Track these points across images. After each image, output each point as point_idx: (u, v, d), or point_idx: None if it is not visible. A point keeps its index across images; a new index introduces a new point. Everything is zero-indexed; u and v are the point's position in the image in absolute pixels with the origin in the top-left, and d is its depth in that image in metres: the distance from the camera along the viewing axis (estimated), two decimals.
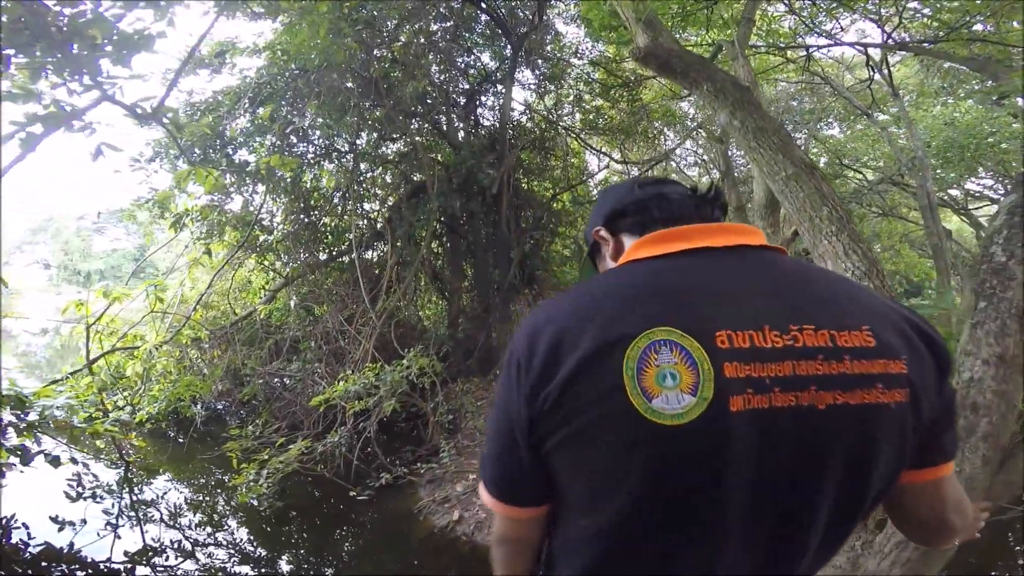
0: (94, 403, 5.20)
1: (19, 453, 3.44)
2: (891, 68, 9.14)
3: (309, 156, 9.08)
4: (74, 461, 4.91)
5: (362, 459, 6.01)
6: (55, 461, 3.88)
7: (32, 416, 3.66)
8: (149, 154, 8.22)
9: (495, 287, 10.57)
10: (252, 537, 5.20)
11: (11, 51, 2.54)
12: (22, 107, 2.74)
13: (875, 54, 8.89)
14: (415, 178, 9.81)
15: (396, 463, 6.24)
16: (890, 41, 7.50)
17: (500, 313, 10.27)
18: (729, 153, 13.53)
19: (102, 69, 3.50)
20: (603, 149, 13.11)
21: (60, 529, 4.96)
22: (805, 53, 8.04)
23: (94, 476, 5.66)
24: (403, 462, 6.41)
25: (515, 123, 10.93)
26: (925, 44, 7.58)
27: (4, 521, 4.77)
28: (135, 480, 6.27)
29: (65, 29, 2.65)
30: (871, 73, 8.59)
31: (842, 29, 9.07)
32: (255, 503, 5.21)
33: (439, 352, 8.84)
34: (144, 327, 7.07)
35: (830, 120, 13.07)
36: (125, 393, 6.73)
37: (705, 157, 16.52)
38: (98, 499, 5.53)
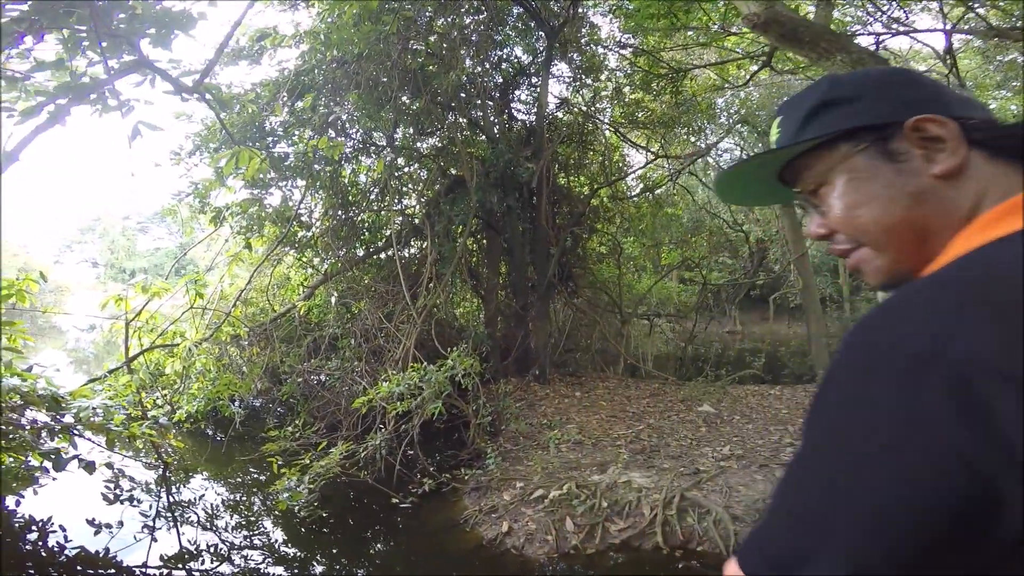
0: (132, 403, 5.07)
1: (52, 458, 3.28)
2: (955, 58, 8.45)
3: (347, 150, 8.92)
4: (109, 467, 4.78)
5: (403, 463, 5.78)
6: (90, 467, 3.72)
7: (68, 418, 3.50)
8: (189, 147, 8.20)
9: (531, 285, 10.27)
10: (289, 541, 5.03)
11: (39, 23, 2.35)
12: (50, 80, 2.56)
13: (938, 45, 8.28)
14: (452, 173, 9.59)
15: (437, 468, 6.00)
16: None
17: (538, 311, 9.95)
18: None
19: (142, 51, 3.33)
20: (642, 144, 12.63)
21: (96, 532, 4.87)
22: (875, 42, 7.44)
23: (130, 479, 5.55)
24: (445, 467, 6.16)
25: (551, 116, 10.59)
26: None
27: (40, 524, 4.70)
28: (173, 481, 6.18)
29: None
30: (947, 63, 7.93)
31: (907, 17, 8.44)
32: (295, 509, 5.00)
33: (477, 352, 8.59)
34: (184, 324, 7.01)
35: None
36: (164, 392, 6.66)
37: (746, 154, 15.86)
38: (135, 502, 5.43)
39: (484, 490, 5.27)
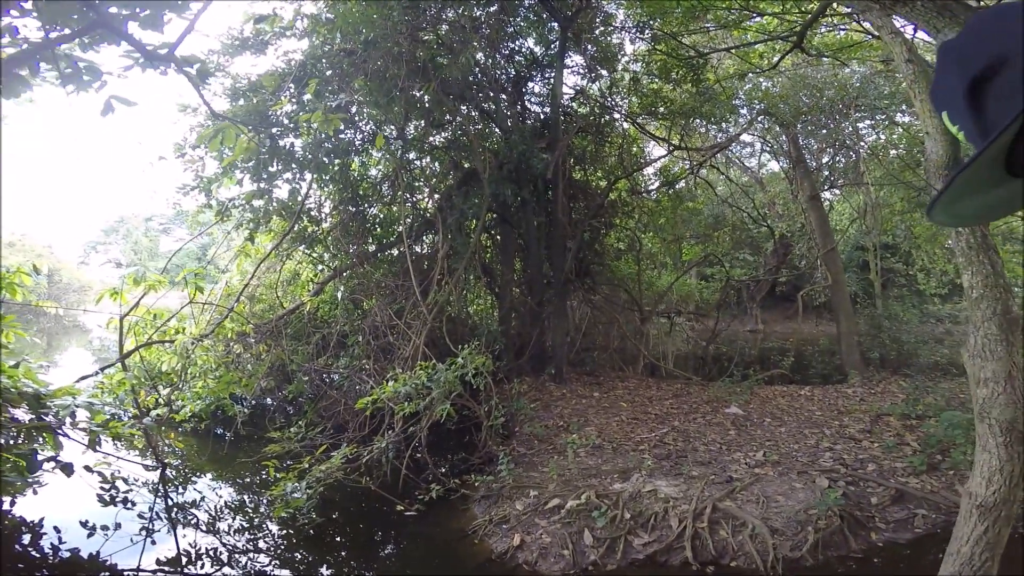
0: (126, 401, 4.80)
1: (22, 463, 2.98)
2: None
3: (357, 143, 8.63)
4: (90, 469, 4.53)
5: (410, 467, 5.45)
6: (67, 469, 3.44)
7: (50, 418, 3.22)
8: (193, 140, 7.97)
9: (547, 281, 9.88)
10: (291, 546, 4.73)
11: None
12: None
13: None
14: (465, 166, 9.26)
15: (446, 473, 5.64)
16: None
17: (555, 308, 9.55)
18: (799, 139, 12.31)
19: (130, 31, 3.04)
20: (661, 136, 12.15)
21: (90, 535, 4.64)
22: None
23: (124, 480, 5.31)
24: (454, 472, 5.80)
25: (566, 108, 10.19)
26: None
27: (32, 526, 4.46)
28: (173, 482, 5.94)
29: None
30: None
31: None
32: (293, 517, 4.69)
33: (490, 350, 8.24)
34: (189, 320, 6.77)
35: (903, 107, 11.57)
36: (165, 390, 6.42)
37: (768, 147, 15.23)
38: (129, 504, 5.18)
39: (495, 498, 4.90)
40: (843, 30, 8.21)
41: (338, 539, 4.84)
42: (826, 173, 13.85)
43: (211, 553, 4.59)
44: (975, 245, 3.12)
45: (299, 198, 8.39)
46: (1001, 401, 2.72)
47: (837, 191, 15.48)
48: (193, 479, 6.17)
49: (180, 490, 5.82)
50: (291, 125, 7.88)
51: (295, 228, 8.60)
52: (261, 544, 4.78)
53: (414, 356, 7.08)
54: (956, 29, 2.62)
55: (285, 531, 4.88)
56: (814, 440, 6.49)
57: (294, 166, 7.93)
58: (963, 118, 0.60)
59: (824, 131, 11.84)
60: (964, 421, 5.66)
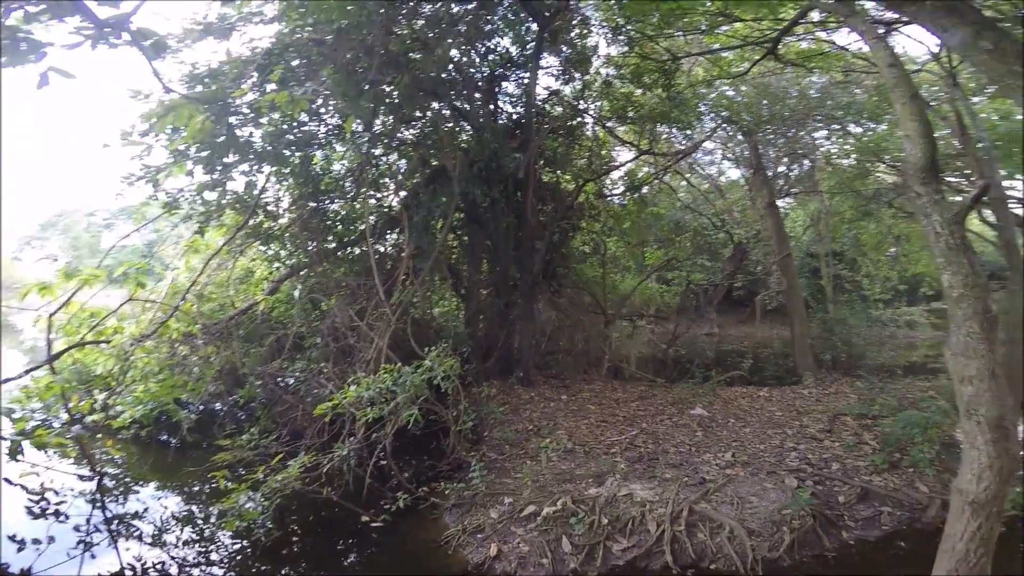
0: (53, 406, 4.32)
1: None
2: (951, 56, 8.25)
3: (321, 135, 8.23)
4: (8, 482, 4.07)
5: (374, 475, 5.14)
6: None
7: None
8: (143, 127, 7.37)
9: (515, 283, 9.73)
10: (246, 559, 4.37)
11: None
12: None
13: (934, 46, 8.14)
14: (433, 164, 9.00)
15: (411, 479, 5.37)
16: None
17: (523, 311, 9.40)
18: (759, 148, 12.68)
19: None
20: (630, 140, 12.26)
21: (20, 549, 4.21)
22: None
23: (55, 491, 4.81)
24: (422, 479, 5.54)
25: (539, 109, 10.11)
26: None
27: None
28: (112, 493, 5.43)
29: None
30: (949, 64, 7.73)
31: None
32: (248, 529, 4.33)
33: (458, 353, 8.00)
34: (127, 320, 6.22)
35: (861, 118, 12.14)
36: (101, 395, 5.86)
37: (729, 154, 15.68)
38: (63, 517, 4.70)
39: (468, 506, 4.68)
40: (808, 39, 8.45)
41: (297, 551, 4.50)
42: (780, 182, 14.35)
43: (158, 567, 4.25)
44: (955, 246, 3.17)
45: (256, 191, 7.92)
46: (987, 398, 2.75)
47: (791, 199, 16.08)
48: (135, 489, 5.70)
49: (120, 501, 5.36)
50: (251, 114, 7.42)
51: (250, 223, 8.11)
52: (214, 556, 4.41)
53: (377, 359, 6.74)
54: (964, 29, 2.64)
55: (239, 543, 4.50)
56: (778, 440, 6.59)
57: (252, 157, 7.46)
58: None
59: (783, 140, 12.25)
60: (921, 420, 5.88)
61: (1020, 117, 8.34)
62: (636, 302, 14.57)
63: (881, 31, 3.98)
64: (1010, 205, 8.55)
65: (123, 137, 7.27)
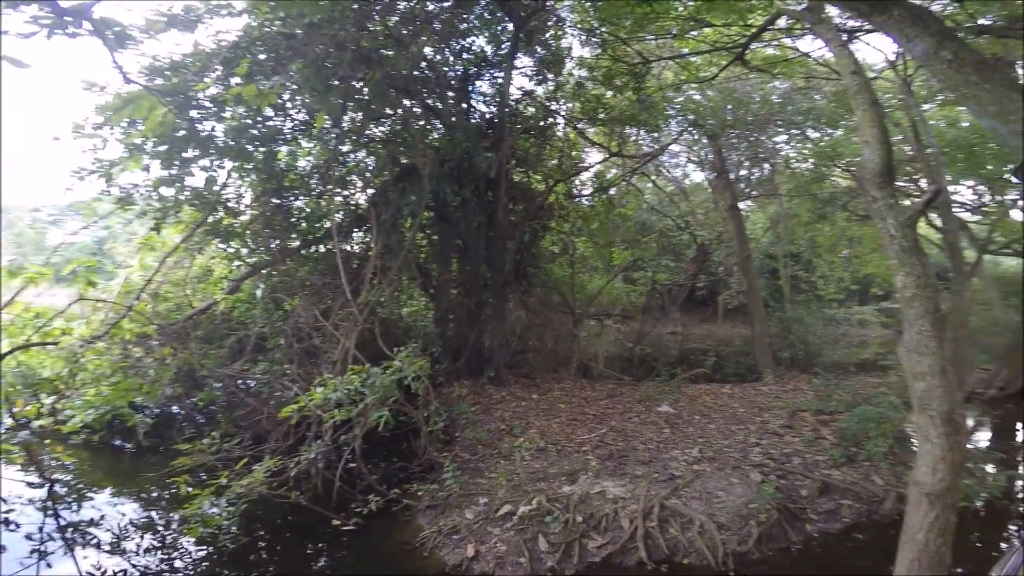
0: None
1: None
2: (907, 64, 8.69)
3: (286, 131, 7.99)
4: None
5: (344, 479, 5.03)
6: None
7: None
8: (97, 120, 6.98)
9: (485, 283, 9.70)
10: (213, 565, 4.22)
11: None
12: None
13: (891, 55, 8.55)
14: (404, 162, 8.87)
15: (380, 481, 5.27)
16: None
17: (494, 310, 9.38)
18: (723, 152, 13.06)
19: None
20: (600, 141, 12.42)
21: None
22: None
23: (2, 499, 4.54)
24: (393, 481, 5.45)
25: (512, 108, 10.12)
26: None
27: None
28: (64, 500, 5.15)
29: None
30: (904, 73, 8.12)
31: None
32: (213, 536, 4.17)
33: (428, 353, 7.92)
34: (77, 320, 5.89)
35: (820, 123, 12.66)
36: (49, 399, 5.52)
37: (695, 157, 16.08)
38: (13, 526, 4.45)
39: (442, 507, 4.63)
40: (774, 46, 8.73)
41: (266, 557, 4.35)
42: (742, 185, 14.81)
43: (120, 575, 4.06)
44: (908, 248, 3.32)
45: (216, 187, 7.61)
46: (938, 394, 2.89)
47: (752, 202, 16.60)
48: (89, 496, 5.44)
49: (74, 508, 5.10)
50: (214, 109, 7.13)
51: (209, 219, 7.79)
52: (178, 564, 4.22)
53: (344, 360, 6.59)
54: (927, 39, 2.76)
55: (205, 550, 4.33)
56: (742, 436, 6.79)
57: (213, 152, 7.18)
58: None
59: (745, 144, 12.63)
60: (875, 415, 6.16)
61: (966, 124, 8.88)
62: (603, 301, 14.73)
63: (844, 38, 4.16)
64: (954, 209, 9.09)
65: (75, 130, 6.88)
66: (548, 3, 9.28)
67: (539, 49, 9.79)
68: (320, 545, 4.51)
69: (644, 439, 6.57)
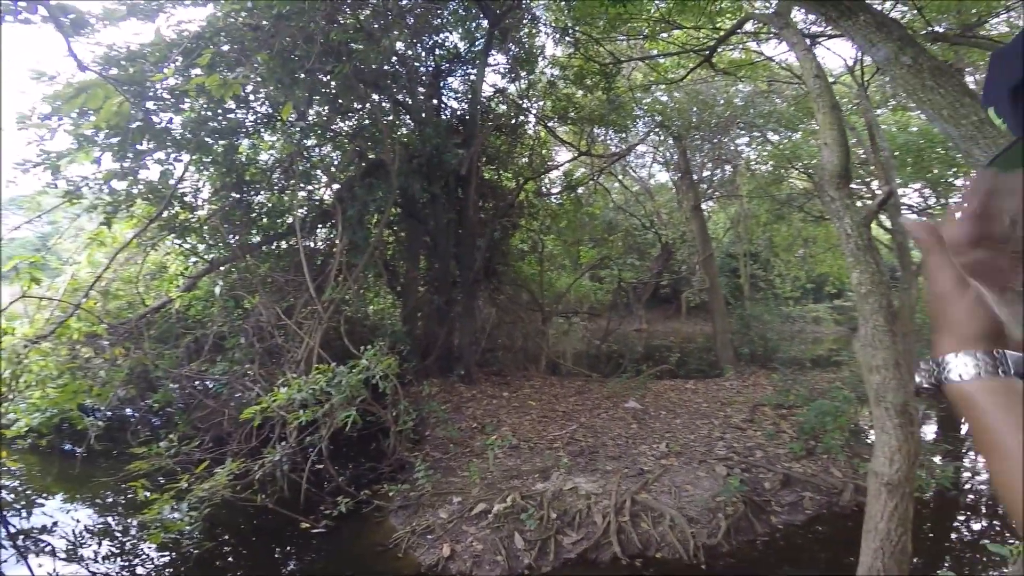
0: None
1: None
2: (864, 70, 9.07)
3: (248, 124, 7.71)
4: None
5: (311, 480, 4.90)
6: None
7: None
8: (45, 110, 6.54)
9: (454, 280, 9.63)
10: (176, 572, 4.04)
11: None
12: None
13: (849, 60, 8.90)
14: (371, 157, 8.69)
15: (353, 484, 5.16)
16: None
17: (464, 308, 9.32)
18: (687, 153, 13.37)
19: None
20: (569, 140, 12.51)
21: None
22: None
23: None
24: (362, 482, 5.34)
25: (484, 106, 10.07)
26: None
27: None
28: (12, 507, 4.86)
29: None
30: (861, 78, 8.46)
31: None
32: (175, 541, 3.99)
33: (395, 351, 7.79)
34: (19, 320, 5.54)
35: (779, 126, 13.12)
36: None
37: (660, 157, 16.39)
38: None
39: (415, 507, 4.57)
40: (739, 49, 9.00)
41: (232, 561, 4.20)
42: (705, 186, 15.21)
43: None
44: (863, 246, 3.46)
45: (172, 181, 7.28)
46: (893, 386, 3.03)
47: (714, 202, 17.05)
48: (39, 502, 5.16)
49: (24, 515, 4.83)
50: (172, 100, 6.81)
51: (164, 214, 7.45)
52: (140, 570, 4.03)
53: (308, 359, 6.42)
54: (889, 44, 2.88)
55: (167, 556, 4.15)
56: (706, 430, 6.97)
57: (170, 145, 6.86)
58: (1007, 115, 0.69)
59: (709, 145, 12.96)
60: (831, 409, 6.42)
61: (915, 129, 9.35)
62: (571, 299, 14.89)
63: (807, 43, 4.32)
64: (903, 211, 9.56)
65: (20, 120, 6.45)
66: (523, 1, 9.27)
67: (512, 47, 9.77)
68: (289, 548, 4.38)
69: (613, 435, 6.66)
